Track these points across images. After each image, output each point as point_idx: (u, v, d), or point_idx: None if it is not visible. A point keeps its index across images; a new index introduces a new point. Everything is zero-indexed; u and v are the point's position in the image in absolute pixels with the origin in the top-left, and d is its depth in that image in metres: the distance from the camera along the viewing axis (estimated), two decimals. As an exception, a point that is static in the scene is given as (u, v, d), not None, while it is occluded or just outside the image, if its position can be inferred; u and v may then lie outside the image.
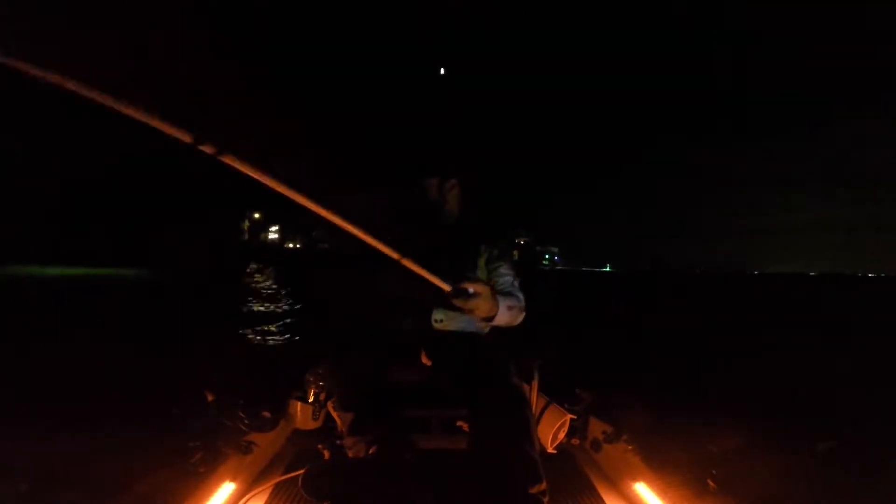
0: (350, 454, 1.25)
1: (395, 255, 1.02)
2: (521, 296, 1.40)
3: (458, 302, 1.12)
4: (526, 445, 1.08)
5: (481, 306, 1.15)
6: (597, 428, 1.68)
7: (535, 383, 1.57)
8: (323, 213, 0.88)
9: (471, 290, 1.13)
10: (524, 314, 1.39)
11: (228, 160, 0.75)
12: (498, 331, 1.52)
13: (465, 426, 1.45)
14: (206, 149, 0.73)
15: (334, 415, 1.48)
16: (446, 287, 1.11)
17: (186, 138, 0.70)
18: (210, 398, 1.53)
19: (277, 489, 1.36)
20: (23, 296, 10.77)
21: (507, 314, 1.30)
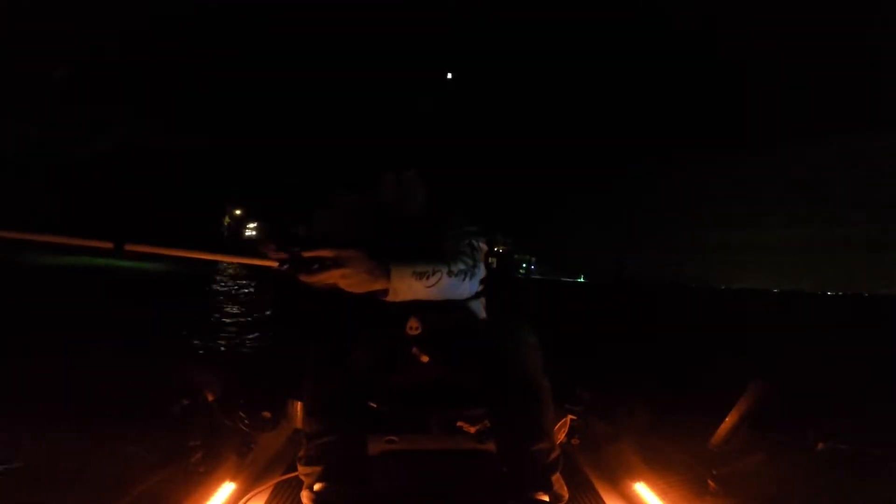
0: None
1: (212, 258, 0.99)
2: (471, 259, 1.18)
3: (303, 276, 0.89)
4: (539, 443, 1.03)
5: (350, 276, 0.90)
6: (597, 428, 1.68)
7: None
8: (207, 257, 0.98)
9: (313, 256, 0.88)
10: (476, 280, 1.18)
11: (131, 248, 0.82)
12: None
13: (466, 426, 1.44)
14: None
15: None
16: (273, 263, 0.88)
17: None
18: (210, 398, 1.53)
19: (277, 489, 1.36)
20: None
21: (443, 281, 1.06)
